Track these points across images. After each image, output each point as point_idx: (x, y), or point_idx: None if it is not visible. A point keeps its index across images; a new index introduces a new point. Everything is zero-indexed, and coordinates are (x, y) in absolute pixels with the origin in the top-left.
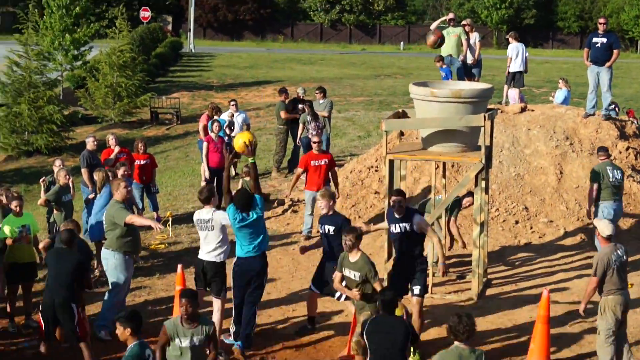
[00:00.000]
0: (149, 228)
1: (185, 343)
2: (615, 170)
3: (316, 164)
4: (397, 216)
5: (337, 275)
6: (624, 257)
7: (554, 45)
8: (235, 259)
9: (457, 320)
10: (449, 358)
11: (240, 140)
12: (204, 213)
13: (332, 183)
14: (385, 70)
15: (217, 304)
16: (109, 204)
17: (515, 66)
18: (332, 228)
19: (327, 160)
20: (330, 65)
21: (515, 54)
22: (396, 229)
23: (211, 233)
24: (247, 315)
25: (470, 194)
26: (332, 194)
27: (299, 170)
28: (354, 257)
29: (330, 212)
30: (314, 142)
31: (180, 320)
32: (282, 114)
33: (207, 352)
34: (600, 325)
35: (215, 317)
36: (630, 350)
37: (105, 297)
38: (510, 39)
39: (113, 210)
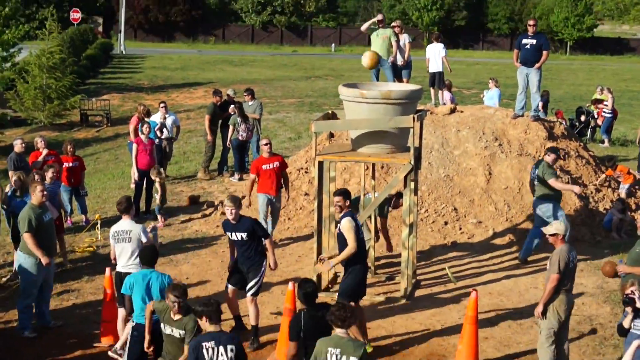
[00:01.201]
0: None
1: None
2: (533, 169)
3: (267, 167)
4: (336, 218)
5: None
6: (576, 260)
7: (485, 47)
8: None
9: (336, 308)
10: (326, 344)
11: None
12: (123, 224)
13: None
14: (316, 72)
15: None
16: (24, 207)
17: (434, 67)
18: (244, 235)
19: (278, 162)
20: (261, 67)
21: (433, 54)
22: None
23: (127, 245)
24: None
25: (400, 195)
26: (239, 200)
27: (252, 175)
28: (178, 315)
29: (237, 219)
30: (265, 144)
31: None
32: (206, 124)
33: None
34: (543, 324)
35: (119, 326)
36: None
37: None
38: (432, 39)
39: (22, 216)
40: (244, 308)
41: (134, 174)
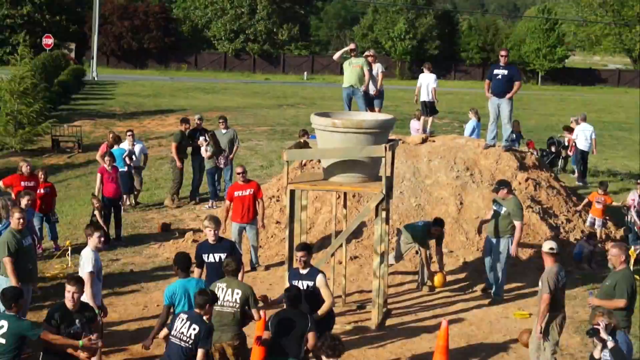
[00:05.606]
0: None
1: None
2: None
3: (241, 195)
4: (301, 272)
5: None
6: (565, 279)
7: (457, 77)
8: None
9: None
10: None
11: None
12: None
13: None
14: (288, 100)
15: None
16: (5, 232)
17: (424, 96)
18: (224, 255)
19: (252, 190)
20: (233, 95)
21: (425, 84)
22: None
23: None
24: None
25: (437, 223)
26: (219, 221)
27: (227, 202)
28: None
29: (217, 239)
30: (238, 173)
31: None
32: (173, 151)
33: None
34: (547, 343)
35: None
36: None
37: None
38: (424, 69)
39: (1, 240)
40: None
41: (95, 202)
